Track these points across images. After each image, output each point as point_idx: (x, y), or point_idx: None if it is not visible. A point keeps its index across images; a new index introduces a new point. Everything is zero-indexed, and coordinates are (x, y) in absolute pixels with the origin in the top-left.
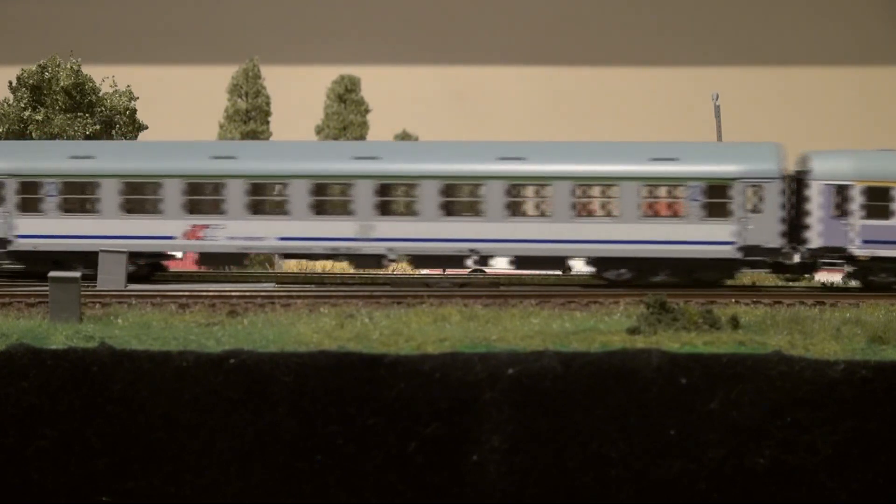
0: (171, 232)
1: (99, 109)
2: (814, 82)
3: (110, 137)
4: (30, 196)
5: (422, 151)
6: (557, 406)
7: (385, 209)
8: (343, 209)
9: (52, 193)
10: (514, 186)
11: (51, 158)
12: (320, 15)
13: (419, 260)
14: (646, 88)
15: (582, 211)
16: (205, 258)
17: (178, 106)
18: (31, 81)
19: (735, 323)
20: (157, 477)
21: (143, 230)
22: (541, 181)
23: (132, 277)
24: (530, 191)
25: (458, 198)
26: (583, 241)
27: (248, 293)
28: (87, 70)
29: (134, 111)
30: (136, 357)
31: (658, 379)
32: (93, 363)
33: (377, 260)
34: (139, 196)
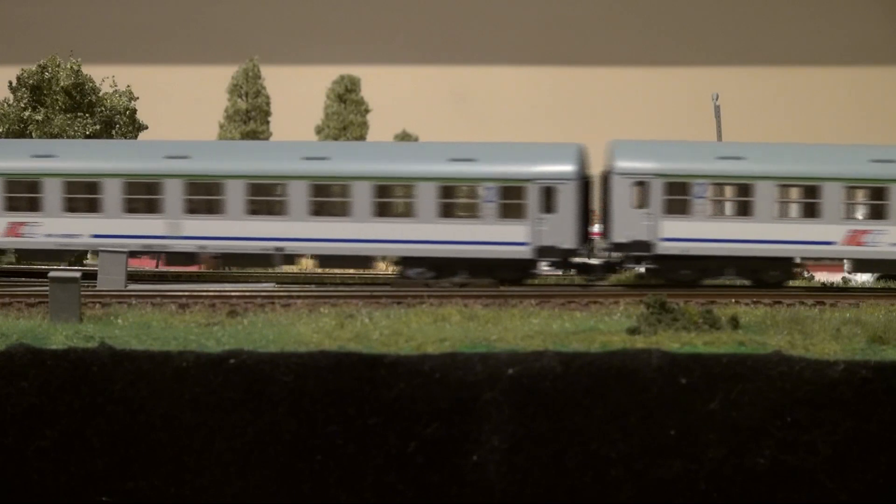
0: (829, 237)
1: (99, 109)
2: (814, 82)
3: (110, 137)
4: (677, 197)
5: None
6: (557, 406)
7: None
8: None
9: (700, 195)
10: None
11: (700, 159)
12: (320, 15)
13: None
14: (646, 88)
15: None
16: (859, 265)
17: (178, 106)
18: (31, 81)
19: (735, 323)
20: (157, 477)
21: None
22: None
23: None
24: None
25: None
26: None
27: (248, 293)
28: (87, 70)
29: (134, 111)
30: (136, 357)
31: (658, 379)
32: (93, 363)
33: None
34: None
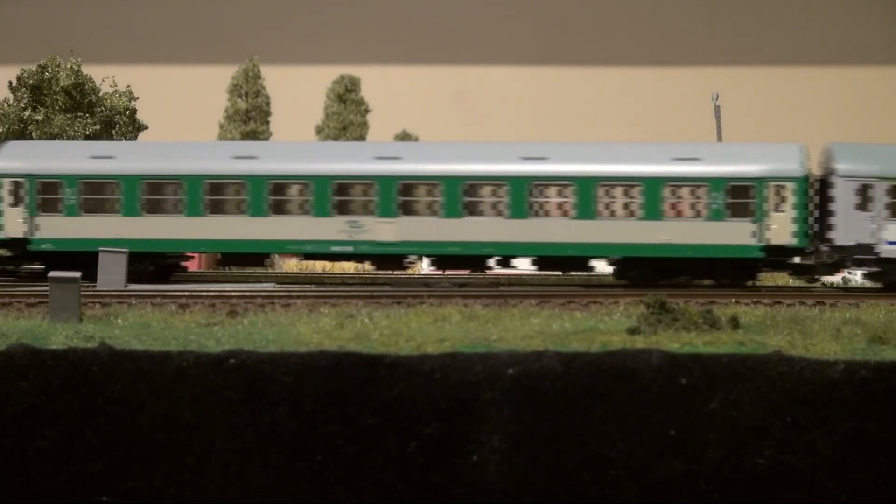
0: None
1: (99, 109)
2: (814, 82)
3: (110, 137)
4: None
5: None
6: (557, 406)
7: None
8: None
9: None
10: None
11: None
12: (320, 15)
13: None
14: (646, 88)
15: None
16: None
17: (178, 106)
18: (31, 81)
19: (735, 323)
20: (157, 477)
21: None
22: None
23: None
24: None
25: None
26: None
27: (248, 293)
28: (87, 70)
29: (134, 111)
30: (136, 357)
31: (658, 379)
32: (93, 363)
33: None
34: None
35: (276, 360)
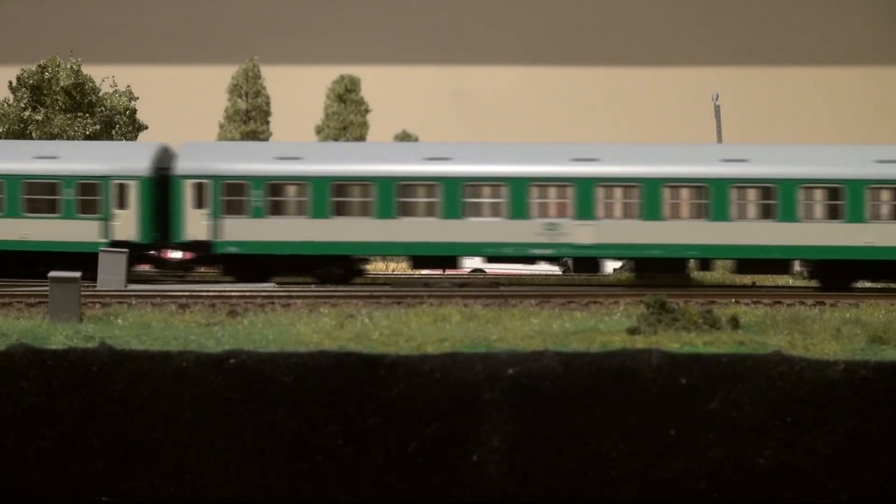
0: None
1: (99, 109)
2: (814, 82)
3: (110, 137)
4: None
5: None
6: (557, 406)
7: None
8: None
9: None
10: None
11: None
12: (320, 15)
13: None
14: (646, 88)
15: None
16: None
17: (178, 106)
18: (31, 81)
19: (735, 323)
20: (157, 477)
21: None
22: None
23: None
24: None
25: None
26: None
27: (248, 293)
28: (87, 70)
29: (134, 111)
30: (136, 357)
31: (658, 379)
32: (93, 363)
33: None
34: None
35: (276, 360)
